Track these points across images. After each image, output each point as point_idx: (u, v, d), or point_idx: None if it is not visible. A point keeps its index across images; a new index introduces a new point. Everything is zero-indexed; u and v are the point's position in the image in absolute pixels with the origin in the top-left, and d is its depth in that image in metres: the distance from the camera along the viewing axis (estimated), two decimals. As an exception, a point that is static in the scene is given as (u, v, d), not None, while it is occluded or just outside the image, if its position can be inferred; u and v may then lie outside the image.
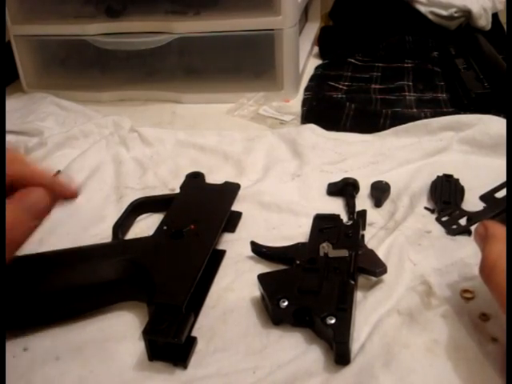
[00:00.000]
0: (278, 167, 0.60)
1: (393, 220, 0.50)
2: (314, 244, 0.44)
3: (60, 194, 0.40)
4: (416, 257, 0.45)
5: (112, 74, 0.85)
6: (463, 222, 0.49)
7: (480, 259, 0.36)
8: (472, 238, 0.46)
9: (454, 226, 0.48)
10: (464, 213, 0.49)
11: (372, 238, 0.48)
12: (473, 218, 0.49)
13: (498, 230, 0.37)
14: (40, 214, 0.36)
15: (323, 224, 0.47)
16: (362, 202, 0.53)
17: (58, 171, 0.63)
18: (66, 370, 0.37)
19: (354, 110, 0.73)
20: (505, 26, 1.01)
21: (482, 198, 0.51)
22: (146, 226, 0.52)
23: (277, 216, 0.52)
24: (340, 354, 0.35)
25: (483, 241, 0.37)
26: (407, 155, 0.60)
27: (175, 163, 0.63)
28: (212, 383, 0.35)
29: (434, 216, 0.50)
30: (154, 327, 0.36)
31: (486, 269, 0.35)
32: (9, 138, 0.72)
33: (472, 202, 0.51)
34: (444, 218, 0.49)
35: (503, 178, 0.52)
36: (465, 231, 0.47)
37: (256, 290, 0.42)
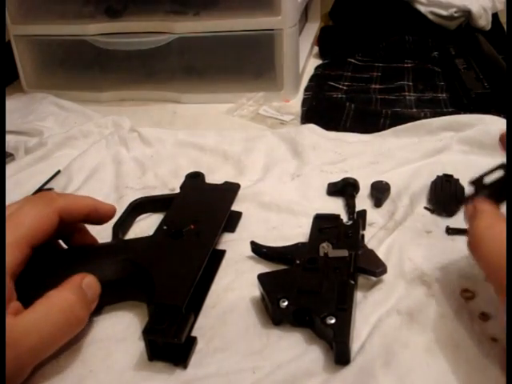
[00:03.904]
0: (278, 167, 0.60)
1: (393, 220, 0.50)
2: (314, 244, 0.44)
3: (103, 213, 0.43)
4: (416, 257, 0.45)
5: (112, 74, 0.85)
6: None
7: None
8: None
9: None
10: None
11: (372, 237, 0.48)
12: (462, 201, 0.49)
13: (487, 207, 0.38)
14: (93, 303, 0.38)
15: (323, 224, 0.47)
16: (362, 201, 0.53)
17: (58, 171, 0.63)
18: (66, 370, 0.37)
19: (353, 109, 0.73)
20: (505, 26, 1.01)
21: (472, 182, 0.51)
22: (146, 225, 0.52)
23: (277, 216, 0.52)
24: (340, 354, 0.35)
25: (472, 217, 0.37)
26: (407, 155, 0.60)
27: (175, 163, 0.63)
28: (212, 383, 0.35)
29: (433, 216, 0.50)
30: (153, 327, 0.36)
31: (473, 241, 0.36)
32: (9, 138, 0.72)
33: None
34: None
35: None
36: (463, 231, 0.47)
37: (256, 290, 0.42)
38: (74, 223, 0.42)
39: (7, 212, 0.38)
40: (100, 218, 0.44)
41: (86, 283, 0.37)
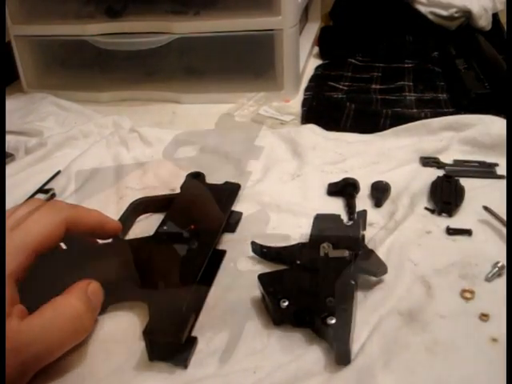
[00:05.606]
0: (278, 167, 0.60)
1: (393, 220, 0.50)
2: (315, 244, 0.44)
3: (108, 229, 0.43)
4: (416, 257, 0.45)
5: (112, 74, 0.85)
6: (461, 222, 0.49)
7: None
8: (472, 238, 0.46)
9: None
10: None
11: (372, 238, 0.48)
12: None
13: None
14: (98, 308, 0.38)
15: (323, 224, 0.47)
16: (362, 202, 0.53)
17: (58, 171, 0.63)
18: (66, 370, 0.37)
19: (354, 110, 0.73)
20: (505, 26, 1.01)
21: None
22: (147, 226, 0.52)
23: (277, 216, 0.52)
24: (340, 354, 0.35)
25: None
26: (407, 155, 0.60)
27: (175, 163, 0.63)
28: (212, 383, 0.35)
29: (433, 216, 0.50)
30: (154, 327, 0.36)
31: None
32: (9, 138, 0.72)
33: (472, 203, 0.51)
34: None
35: (503, 178, 0.52)
36: (463, 231, 0.47)
37: (256, 290, 0.42)
38: (79, 234, 0.42)
39: (13, 213, 0.38)
40: (105, 233, 0.43)
41: (91, 290, 0.37)
